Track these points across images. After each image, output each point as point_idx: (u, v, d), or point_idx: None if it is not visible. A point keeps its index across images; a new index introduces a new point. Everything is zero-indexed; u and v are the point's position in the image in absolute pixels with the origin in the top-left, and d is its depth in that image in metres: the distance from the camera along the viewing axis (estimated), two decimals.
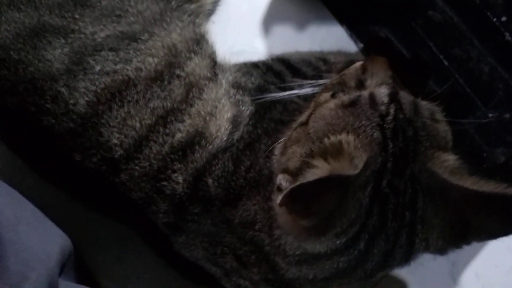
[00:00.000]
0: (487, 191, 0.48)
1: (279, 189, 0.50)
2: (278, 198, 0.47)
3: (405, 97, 0.56)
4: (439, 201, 0.51)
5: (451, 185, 0.50)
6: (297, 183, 0.45)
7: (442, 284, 0.86)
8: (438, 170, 0.51)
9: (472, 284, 0.85)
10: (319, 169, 0.46)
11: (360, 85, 0.59)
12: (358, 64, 0.62)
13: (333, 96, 0.57)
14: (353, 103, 0.54)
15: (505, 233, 0.50)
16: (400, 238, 0.51)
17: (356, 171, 0.47)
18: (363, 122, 0.52)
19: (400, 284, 0.85)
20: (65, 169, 0.63)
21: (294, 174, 0.49)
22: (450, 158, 0.52)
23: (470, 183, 0.49)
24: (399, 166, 0.51)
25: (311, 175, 0.46)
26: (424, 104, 0.57)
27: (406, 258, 0.53)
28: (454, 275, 0.85)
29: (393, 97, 0.54)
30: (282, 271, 0.56)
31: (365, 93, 0.55)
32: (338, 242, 0.50)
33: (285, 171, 0.51)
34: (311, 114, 0.57)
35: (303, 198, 0.46)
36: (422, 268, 0.84)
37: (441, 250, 0.53)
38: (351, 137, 0.50)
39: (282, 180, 0.50)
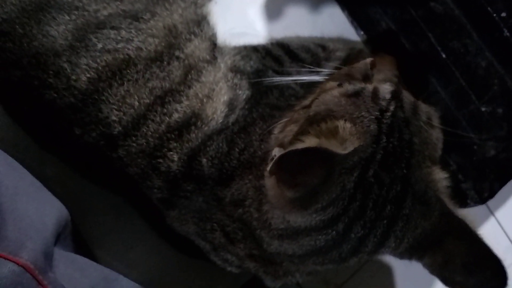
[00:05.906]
0: (469, 231, 0.52)
1: (272, 160, 0.52)
2: (269, 166, 0.49)
3: (407, 97, 0.57)
4: (425, 211, 0.54)
5: (440, 203, 0.53)
6: (287, 150, 0.47)
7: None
8: (432, 185, 0.54)
9: None
10: (309, 142, 0.49)
11: (366, 79, 0.60)
12: (368, 59, 0.63)
13: (339, 85, 0.59)
14: (356, 94, 0.55)
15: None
16: (376, 228, 0.53)
17: (344, 152, 0.48)
18: (363, 113, 0.53)
19: (385, 268, 0.88)
20: (65, 142, 0.64)
21: (287, 147, 0.51)
22: (443, 177, 0.55)
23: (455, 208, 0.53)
24: (388, 161, 0.52)
25: (300, 145, 0.48)
26: (423, 106, 0.58)
27: (375, 249, 0.55)
28: None
29: (395, 95, 0.56)
30: (265, 245, 0.58)
31: (369, 87, 0.56)
32: (317, 218, 0.52)
33: (280, 145, 0.53)
34: (315, 98, 0.58)
35: (290, 167, 0.49)
36: None
37: (401, 254, 0.56)
38: (348, 124, 0.52)
39: (276, 152, 0.51)
